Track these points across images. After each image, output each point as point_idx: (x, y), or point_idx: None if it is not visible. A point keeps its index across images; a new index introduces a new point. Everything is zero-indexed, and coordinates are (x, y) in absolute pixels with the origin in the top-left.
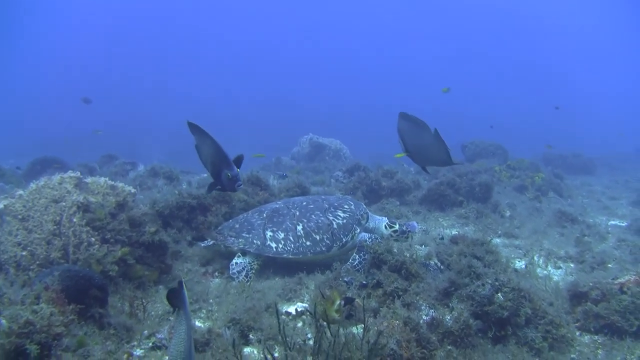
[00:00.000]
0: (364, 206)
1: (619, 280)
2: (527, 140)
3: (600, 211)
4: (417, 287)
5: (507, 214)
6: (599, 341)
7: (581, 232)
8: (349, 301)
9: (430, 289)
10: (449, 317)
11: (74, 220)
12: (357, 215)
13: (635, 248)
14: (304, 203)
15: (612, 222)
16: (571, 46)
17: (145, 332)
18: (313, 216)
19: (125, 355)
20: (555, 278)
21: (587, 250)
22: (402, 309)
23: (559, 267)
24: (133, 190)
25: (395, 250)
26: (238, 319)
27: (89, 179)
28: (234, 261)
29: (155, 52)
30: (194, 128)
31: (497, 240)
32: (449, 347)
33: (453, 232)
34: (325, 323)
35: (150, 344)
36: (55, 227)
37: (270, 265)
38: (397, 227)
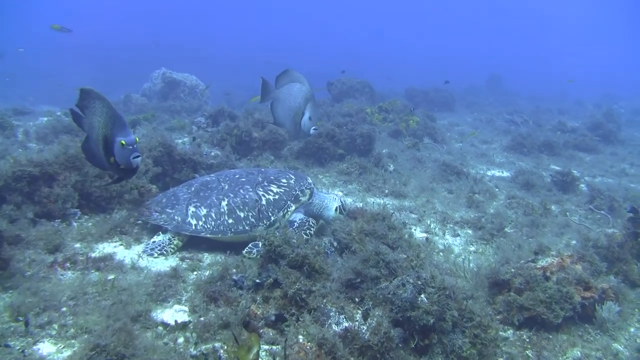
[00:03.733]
0: (309, 180)
1: (541, 264)
2: (393, 75)
3: (479, 159)
4: (323, 287)
5: (391, 167)
6: (524, 337)
7: (470, 189)
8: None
9: (337, 288)
10: (365, 328)
11: None
12: (296, 190)
13: (529, 208)
14: (237, 176)
15: (495, 173)
16: None
17: None
18: (241, 191)
19: None
20: (456, 249)
21: (483, 214)
22: (314, 326)
23: (457, 235)
24: None
25: (294, 240)
26: (104, 345)
27: None
28: (151, 240)
29: None
30: (87, 96)
31: (387, 201)
32: None
33: (337, 191)
34: None
35: None
36: None
37: (201, 243)
38: (345, 213)
